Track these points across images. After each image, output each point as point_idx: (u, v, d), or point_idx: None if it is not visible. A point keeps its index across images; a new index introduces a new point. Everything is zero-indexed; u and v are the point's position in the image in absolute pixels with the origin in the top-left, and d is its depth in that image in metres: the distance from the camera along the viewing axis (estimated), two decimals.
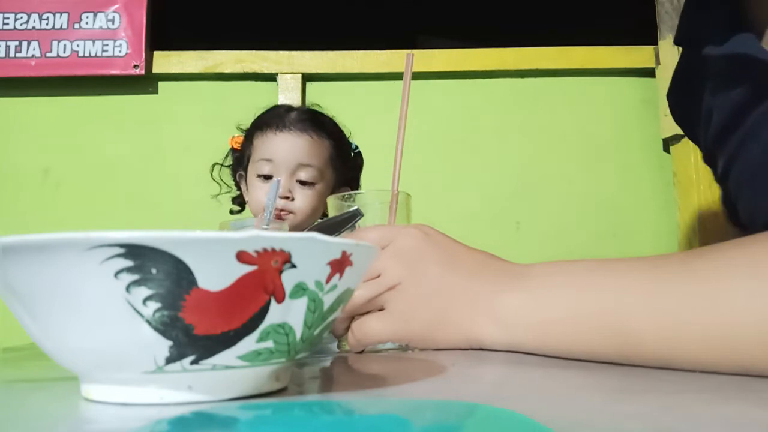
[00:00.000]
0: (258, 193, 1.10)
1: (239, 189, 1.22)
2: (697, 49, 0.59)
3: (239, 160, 1.18)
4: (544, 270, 0.47)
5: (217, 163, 1.24)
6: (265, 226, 0.72)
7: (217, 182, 1.23)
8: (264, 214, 0.75)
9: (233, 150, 1.21)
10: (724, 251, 0.39)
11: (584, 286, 0.43)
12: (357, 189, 1.22)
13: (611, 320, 0.41)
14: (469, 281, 0.47)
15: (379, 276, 0.49)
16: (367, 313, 0.50)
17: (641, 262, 0.43)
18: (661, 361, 0.40)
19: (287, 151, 1.09)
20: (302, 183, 1.10)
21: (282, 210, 1.07)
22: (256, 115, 1.18)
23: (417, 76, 1.58)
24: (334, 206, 0.62)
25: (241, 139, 1.19)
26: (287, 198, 1.08)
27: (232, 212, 1.24)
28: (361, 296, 0.48)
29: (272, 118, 1.14)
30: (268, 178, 1.09)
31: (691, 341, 0.38)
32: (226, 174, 1.24)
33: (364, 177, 1.25)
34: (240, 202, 1.23)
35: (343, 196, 0.61)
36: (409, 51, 0.58)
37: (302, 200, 1.09)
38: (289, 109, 1.17)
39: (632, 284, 0.41)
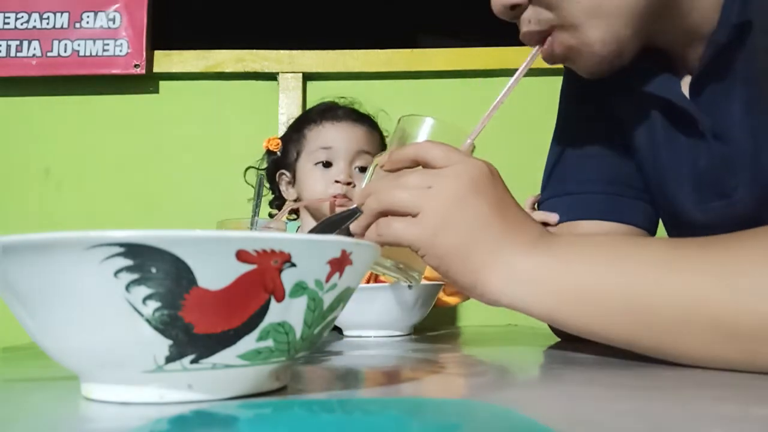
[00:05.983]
0: (315, 184, 1.11)
1: (276, 191, 1.22)
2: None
3: (279, 161, 1.19)
4: (570, 241, 0.48)
5: (251, 167, 1.24)
6: (254, 227, 0.72)
7: (252, 186, 1.21)
8: (252, 214, 0.75)
9: (270, 152, 1.21)
10: (742, 241, 0.40)
11: (602, 259, 0.44)
12: None
13: (622, 295, 0.41)
14: (503, 234, 0.47)
15: (431, 185, 0.48)
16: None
17: (662, 244, 0.44)
18: (667, 343, 0.40)
19: (347, 138, 1.13)
20: (361, 170, 1.12)
21: (344, 196, 1.08)
22: (297, 116, 1.23)
23: (417, 75, 1.57)
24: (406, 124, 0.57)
25: (278, 141, 1.20)
26: (349, 184, 1.09)
27: (271, 216, 1.23)
28: (408, 180, 0.48)
29: (325, 112, 1.18)
30: (327, 165, 1.11)
31: (699, 328, 0.38)
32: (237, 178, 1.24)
33: None
34: (278, 205, 1.23)
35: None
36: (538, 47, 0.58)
37: None
38: (334, 105, 1.21)
39: (649, 264, 0.42)
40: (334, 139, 1.13)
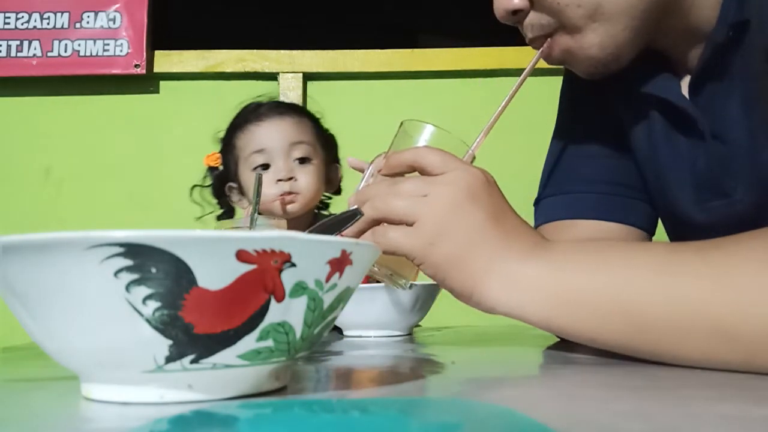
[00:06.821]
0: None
1: (225, 205, 1.20)
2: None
3: (223, 175, 1.17)
4: (567, 247, 0.48)
5: (196, 185, 1.21)
6: (256, 224, 0.72)
7: (199, 203, 1.20)
8: (250, 210, 0.75)
9: (212, 168, 1.19)
10: (740, 244, 0.40)
11: (599, 266, 0.44)
12: (340, 167, 1.21)
13: (620, 301, 0.41)
14: (500, 242, 0.47)
15: (427, 193, 0.47)
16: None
17: (659, 249, 0.44)
18: (665, 347, 0.40)
19: (276, 134, 1.10)
20: (301, 161, 1.10)
21: (289, 192, 1.07)
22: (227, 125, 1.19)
23: (417, 75, 1.57)
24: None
25: (217, 155, 1.18)
26: (291, 179, 1.07)
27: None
28: (404, 187, 0.48)
29: (248, 115, 1.15)
30: (265, 167, 1.09)
31: (697, 332, 0.38)
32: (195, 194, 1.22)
33: None
34: (228, 218, 1.20)
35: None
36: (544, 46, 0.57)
37: (305, 178, 1.09)
38: (259, 104, 1.18)
39: (645, 268, 0.42)
40: (265, 140, 1.10)
